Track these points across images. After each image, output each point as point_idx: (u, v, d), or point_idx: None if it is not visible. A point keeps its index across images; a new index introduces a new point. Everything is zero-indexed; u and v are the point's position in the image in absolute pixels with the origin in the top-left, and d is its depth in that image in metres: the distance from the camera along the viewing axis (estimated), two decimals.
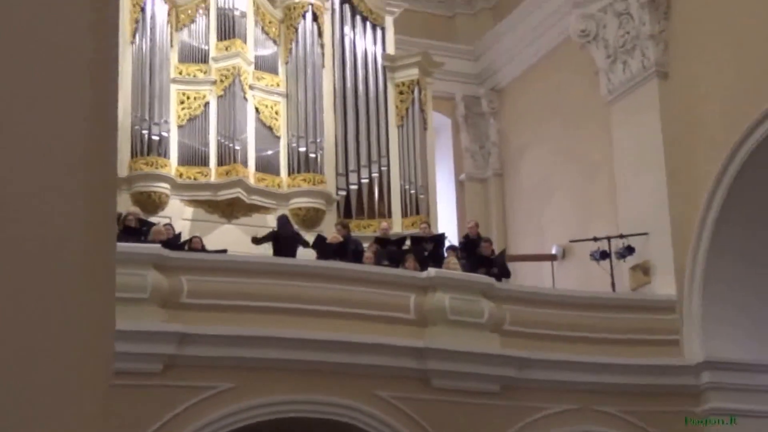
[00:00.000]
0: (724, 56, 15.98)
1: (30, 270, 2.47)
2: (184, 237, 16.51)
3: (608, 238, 16.92)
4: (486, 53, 21.86)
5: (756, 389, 15.83)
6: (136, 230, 15.61)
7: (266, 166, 18.88)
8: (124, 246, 13.23)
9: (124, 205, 16.87)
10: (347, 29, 20.23)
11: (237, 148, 18.38)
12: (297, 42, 19.42)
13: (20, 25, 2.54)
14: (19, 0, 2.56)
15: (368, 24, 20.36)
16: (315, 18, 19.59)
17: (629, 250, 16.70)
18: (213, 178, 18.38)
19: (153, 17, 18.61)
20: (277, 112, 19.14)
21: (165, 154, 18.19)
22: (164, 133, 18.20)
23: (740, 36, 15.76)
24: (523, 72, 21.04)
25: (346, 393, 14.44)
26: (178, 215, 18.11)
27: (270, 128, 19.03)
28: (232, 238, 17.88)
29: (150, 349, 13.57)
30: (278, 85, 19.31)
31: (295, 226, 17.82)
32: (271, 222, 18.18)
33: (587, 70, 18.51)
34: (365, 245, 17.07)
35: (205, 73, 18.82)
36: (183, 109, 18.63)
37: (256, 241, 16.85)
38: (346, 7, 20.31)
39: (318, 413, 14.33)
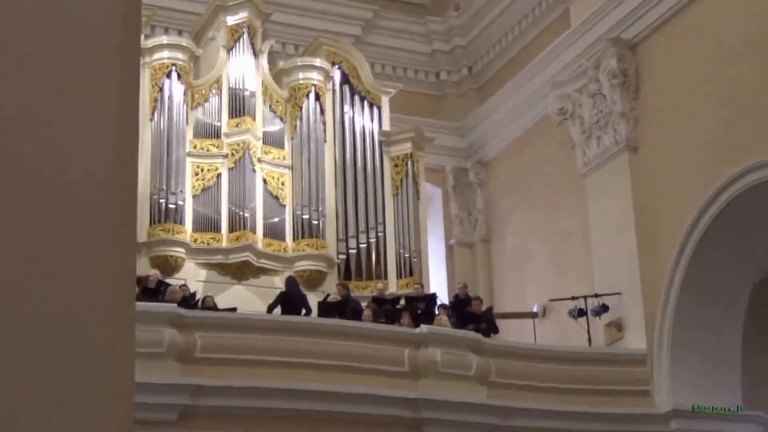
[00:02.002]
0: (688, 132, 16.08)
1: (60, 326, 2.48)
2: (199, 296, 16.50)
3: (584, 297, 16.90)
4: (473, 129, 21.93)
5: None
6: (154, 290, 15.61)
7: (273, 232, 18.85)
8: (143, 305, 13.23)
9: (143, 268, 16.82)
10: (347, 108, 20.27)
11: (246, 215, 18.38)
12: (301, 119, 19.47)
13: (57, 106, 2.57)
14: (60, 82, 2.59)
15: (366, 103, 20.41)
16: (318, 98, 19.65)
17: (604, 308, 16.68)
18: (224, 243, 18.35)
19: (171, 97, 18.68)
20: (283, 183, 19.15)
21: (181, 221, 18.17)
22: (180, 202, 18.19)
23: (702, 115, 15.87)
24: (507, 146, 21.08)
25: None
26: (192, 277, 18.05)
27: (276, 198, 19.03)
28: (242, 298, 17.83)
29: (166, 400, 13.52)
30: (284, 158, 19.33)
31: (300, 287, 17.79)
32: (278, 283, 18.13)
33: (565, 144, 18.59)
34: (364, 304, 17.03)
35: (217, 147, 18.84)
36: (197, 180, 18.64)
37: (270, 309, 16.77)
38: (346, 87, 20.38)
39: None
